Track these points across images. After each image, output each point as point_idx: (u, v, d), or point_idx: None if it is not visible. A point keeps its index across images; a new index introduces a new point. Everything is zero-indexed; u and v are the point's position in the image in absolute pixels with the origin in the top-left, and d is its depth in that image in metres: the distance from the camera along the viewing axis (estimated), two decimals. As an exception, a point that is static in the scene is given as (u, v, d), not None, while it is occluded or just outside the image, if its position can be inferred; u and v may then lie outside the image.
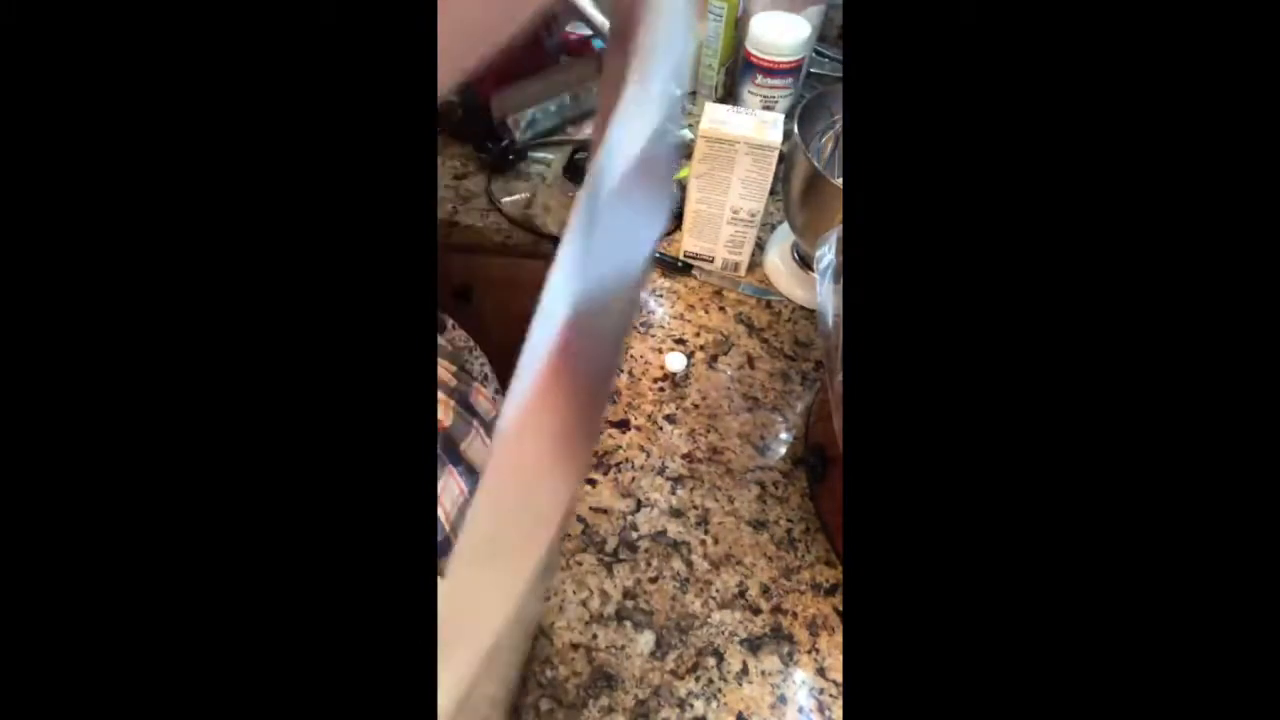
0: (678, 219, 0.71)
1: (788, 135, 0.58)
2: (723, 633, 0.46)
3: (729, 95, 0.89)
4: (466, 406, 0.46)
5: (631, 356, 0.61)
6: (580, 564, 0.48)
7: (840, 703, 0.42)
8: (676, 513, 0.51)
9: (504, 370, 0.97)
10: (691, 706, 0.43)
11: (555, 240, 0.70)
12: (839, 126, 0.67)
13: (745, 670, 0.44)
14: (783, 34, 0.76)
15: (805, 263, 0.67)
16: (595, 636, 0.45)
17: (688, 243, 0.66)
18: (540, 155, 0.81)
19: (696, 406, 0.58)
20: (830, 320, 0.51)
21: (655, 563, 0.49)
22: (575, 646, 0.45)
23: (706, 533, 0.50)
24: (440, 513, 0.42)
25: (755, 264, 0.69)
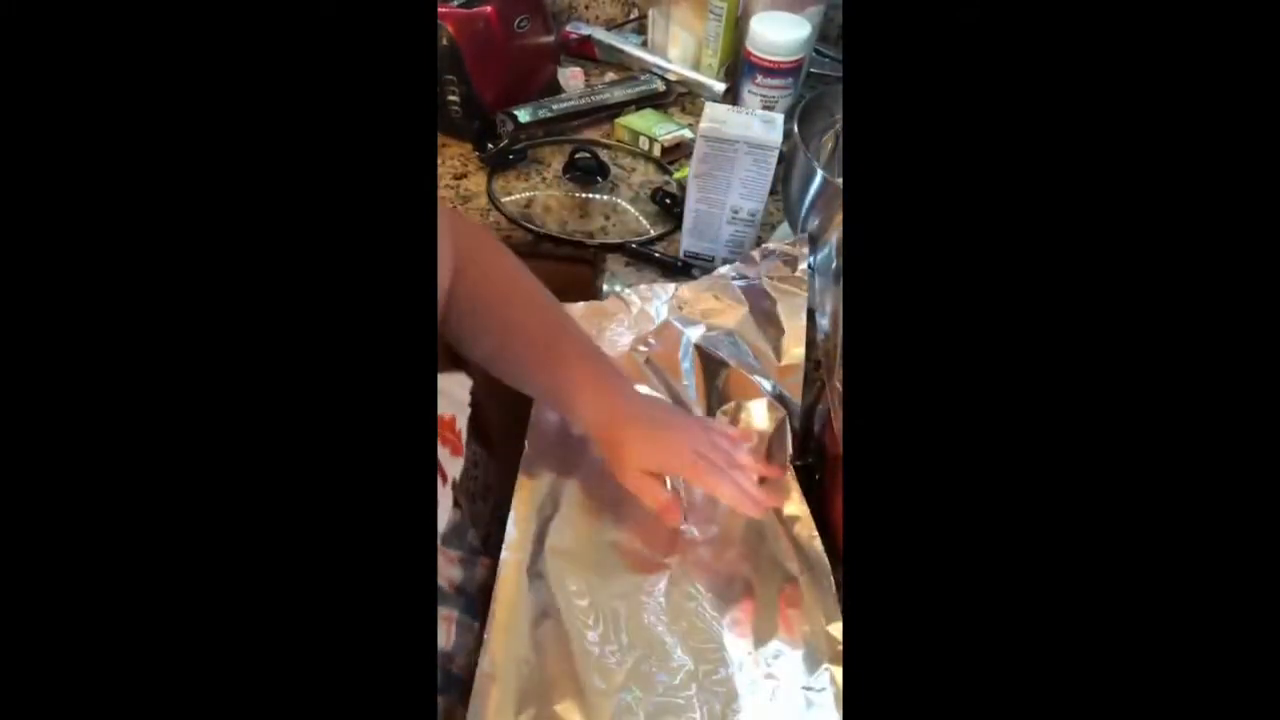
0: (677, 219, 0.71)
1: (788, 135, 0.58)
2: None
3: (729, 95, 0.89)
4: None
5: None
6: (580, 564, 0.48)
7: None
8: (676, 513, 0.51)
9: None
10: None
11: (555, 240, 0.70)
12: (839, 126, 0.67)
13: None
14: (783, 34, 0.76)
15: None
16: (595, 636, 0.45)
17: (687, 243, 0.66)
18: (540, 155, 0.81)
19: (696, 406, 0.57)
20: (829, 320, 0.51)
21: (655, 563, 0.48)
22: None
23: (706, 533, 0.50)
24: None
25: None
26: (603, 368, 0.46)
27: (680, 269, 0.67)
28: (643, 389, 0.53)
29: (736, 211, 0.62)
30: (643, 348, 0.56)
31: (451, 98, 0.78)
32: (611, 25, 1.00)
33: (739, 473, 0.43)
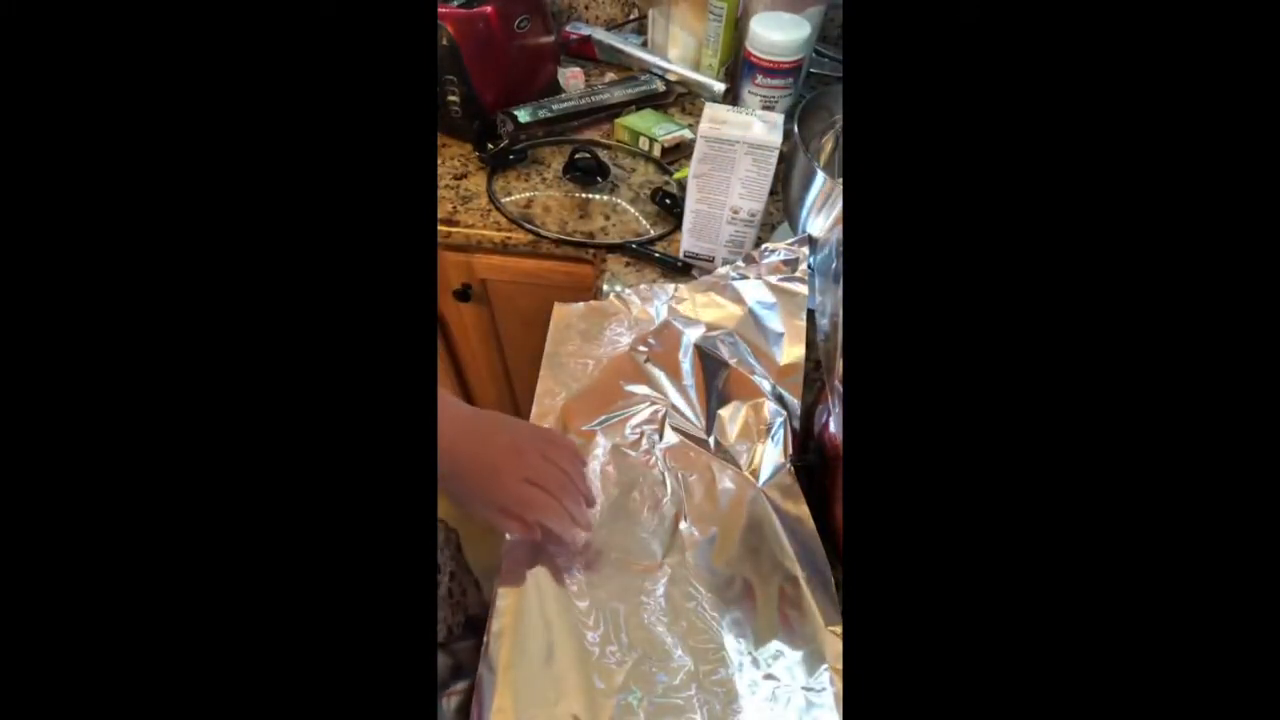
0: (677, 219, 0.71)
1: (788, 135, 0.58)
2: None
3: (729, 95, 0.89)
4: None
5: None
6: (580, 564, 0.48)
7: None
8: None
9: (505, 364, 0.97)
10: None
11: (555, 240, 0.70)
12: (839, 126, 0.67)
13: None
14: (783, 34, 0.76)
15: (805, 263, 0.67)
16: (595, 637, 0.45)
17: (687, 243, 0.66)
18: (540, 155, 0.81)
19: (696, 406, 0.57)
20: (829, 320, 0.51)
21: (655, 563, 0.48)
22: (575, 647, 0.45)
23: (706, 533, 0.50)
24: None
25: (755, 264, 0.69)
26: None
27: (680, 269, 0.67)
28: (641, 389, 0.53)
29: (736, 211, 0.62)
30: (643, 348, 0.56)
31: (451, 98, 0.78)
32: (611, 25, 1.00)
33: (570, 496, 0.43)
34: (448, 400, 0.44)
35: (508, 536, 0.45)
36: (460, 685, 0.40)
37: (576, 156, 0.77)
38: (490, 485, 0.42)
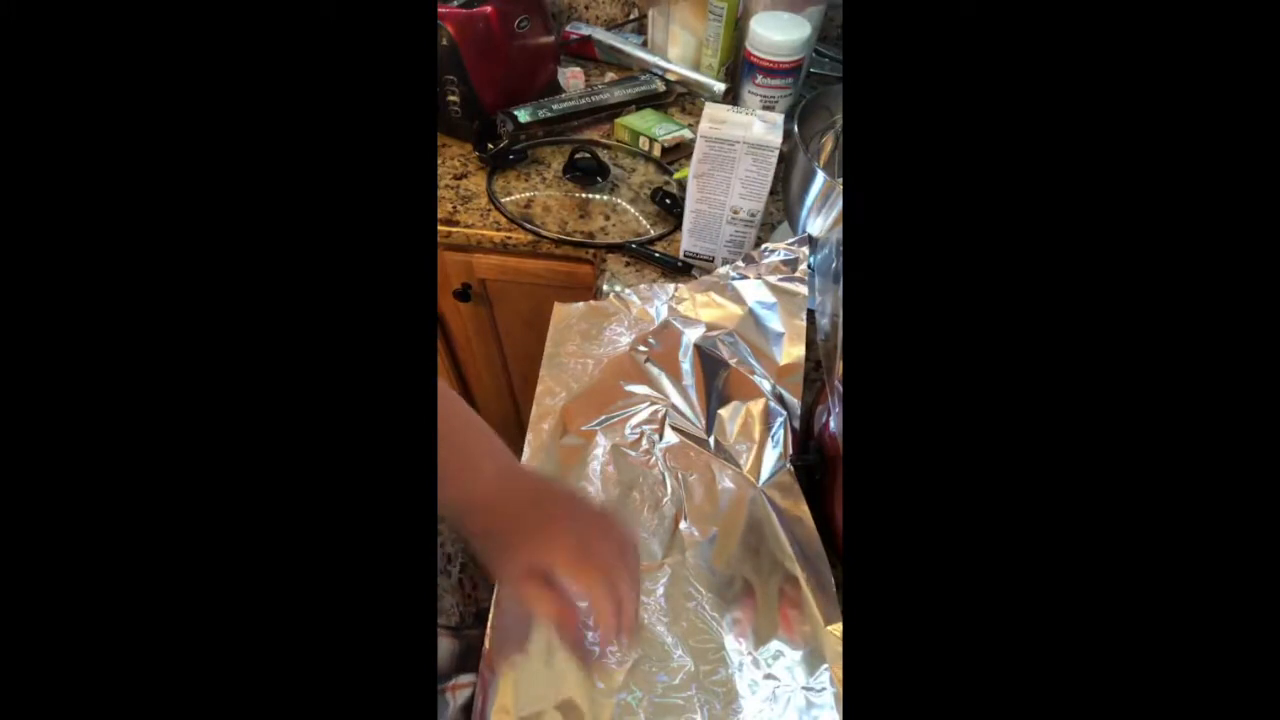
0: (677, 219, 0.71)
1: (788, 135, 0.58)
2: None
3: (729, 95, 0.89)
4: None
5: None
6: (580, 564, 0.48)
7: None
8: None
9: (505, 364, 0.97)
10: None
11: (555, 240, 0.70)
12: (839, 126, 0.67)
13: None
14: (783, 34, 0.76)
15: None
16: (595, 636, 0.45)
17: (687, 242, 0.66)
18: (540, 155, 0.81)
19: (696, 406, 0.57)
20: (829, 320, 0.51)
21: (655, 563, 0.48)
22: (575, 646, 0.45)
23: (706, 533, 0.50)
24: None
25: (755, 264, 0.69)
26: (470, 444, 0.37)
27: (680, 269, 0.67)
28: (641, 389, 0.53)
29: (736, 211, 0.62)
30: (643, 348, 0.56)
31: (451, 98, 0.78)
32: (611, 25, 1.00)
33: (624, 588, 0.35)
34: (511, 464, 0.38)
35: None
36: (467, 678, 0.40)
37: (576, 156, 0.77)
38: (531, 544, 0.35)
